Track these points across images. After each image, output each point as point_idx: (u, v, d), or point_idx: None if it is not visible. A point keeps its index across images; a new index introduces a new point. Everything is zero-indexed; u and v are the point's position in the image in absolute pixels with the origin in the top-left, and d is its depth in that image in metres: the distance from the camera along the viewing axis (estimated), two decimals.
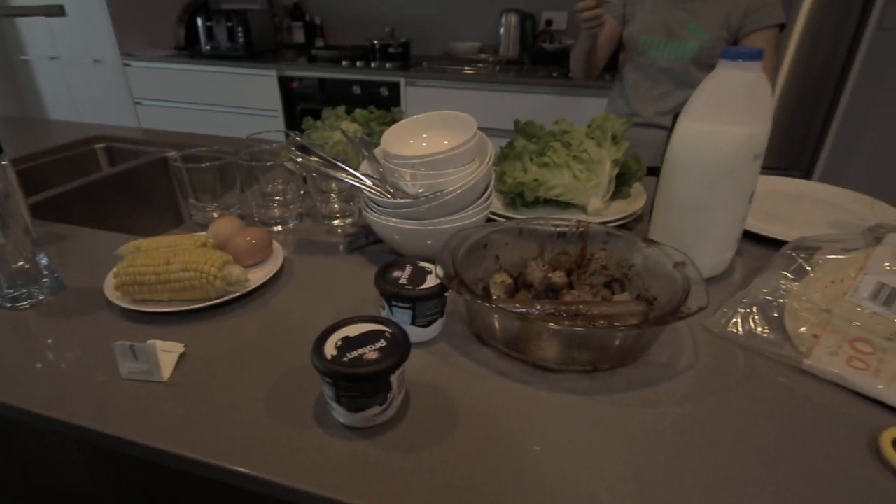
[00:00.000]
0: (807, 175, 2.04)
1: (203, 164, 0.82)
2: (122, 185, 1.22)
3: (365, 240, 0.81)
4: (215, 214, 0.87)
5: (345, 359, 0.44)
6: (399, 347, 0.46)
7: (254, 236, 0.71)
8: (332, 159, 0.70)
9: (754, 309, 0.62)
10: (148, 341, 0.52)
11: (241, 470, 0.44)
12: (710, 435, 0.47)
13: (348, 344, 0.46)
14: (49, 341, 0.60)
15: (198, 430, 0.47)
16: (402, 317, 0.56)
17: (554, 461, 0.44)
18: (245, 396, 0.51)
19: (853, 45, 1.86)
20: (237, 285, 0.64)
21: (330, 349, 0.45)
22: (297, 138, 0.70)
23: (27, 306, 0.65)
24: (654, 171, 0.84)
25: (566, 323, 0.54)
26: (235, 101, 2.71)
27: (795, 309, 0.61)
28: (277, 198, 0.88)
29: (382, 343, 0.46)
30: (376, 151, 0.76)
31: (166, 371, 0.54)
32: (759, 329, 0.60)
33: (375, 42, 2.51)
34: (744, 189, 0.65)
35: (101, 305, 0.65)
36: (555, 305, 0.59)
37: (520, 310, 0.55)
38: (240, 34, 2.65)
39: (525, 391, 0.52)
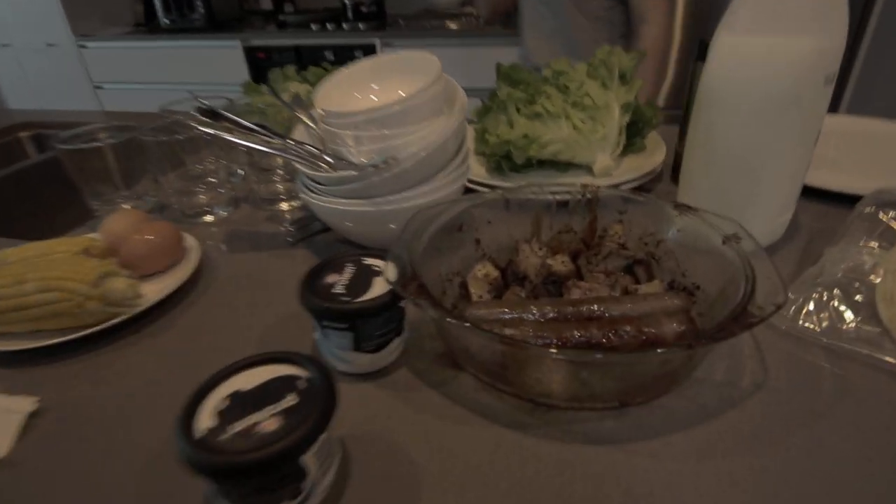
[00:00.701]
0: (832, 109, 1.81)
1: (92, 145, 0.64)
2: (48, 177, 1.04)
3: (318, 224, 0.64)
4: (126, 207, 0.69)
5: (224, 435, 0.27)
6: (317, 405, 0.29)
7: (154, 232, 0.53)
8: (248, 124, 0.52)
9: (834, 292, 0.45)
10: None
11: None
12: (799, 489, 0.31)
13: (237, 406, 0.29)
14: None
15: None
16: (339, 341, 0.39)
17: None
18: (113, 481, 0.35)
19: None
20: (124, 303, 0.47)
21: (206, 420, 0.28)
22: (203, 102, 0.52)
23: None
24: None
25: (575, 347, 0.37)
26: (201, 78, 2.49)
27: (890, 289, 0.44)
28: (210, 180, 0.70)
29: (292, 399, 0.29)
30: (315, 112, 0.58)
31: (4, 442, 0.37)
32: (844, 320, 0.43)
33: (346, 1, 2.28)
34: (810, 126, 0.47)
35: None
36: (558, 307, 0.42)
37: (506, 332, 0.38)
38: (199, 4, 2.41)
39: (521, 442, 0.35)
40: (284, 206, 0.71)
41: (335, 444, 0.33)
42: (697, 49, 0.60)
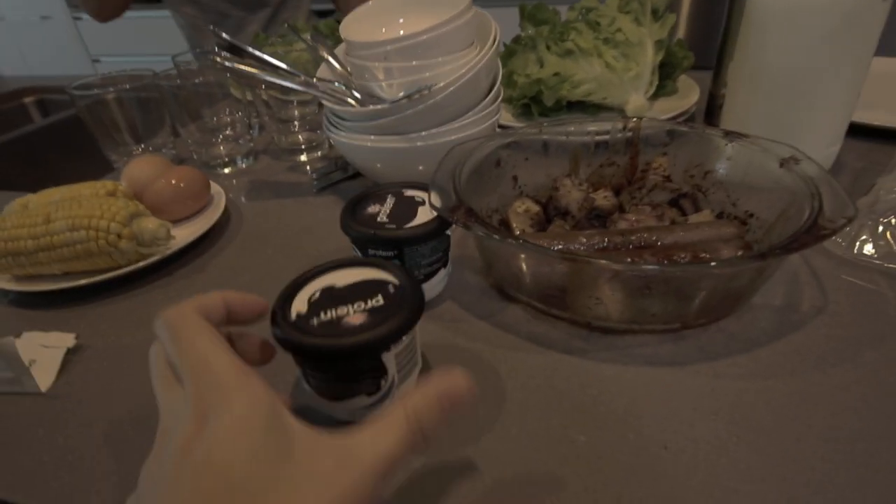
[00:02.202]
0: None
1: (110, 96, 0.62)
2: (55, 140, 1.02)
3: (340, 173, 0.62)
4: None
5: (313, 322, 0.27)
6: (402, 308, 0.28)
7: (180, 177, 0.52)
8: (271, 59, 0.50)
9: (891, 219, 0.43)
10: (7, 337, 0.35)
11: None
12: (881, 412, 0.30)
13: (328, 299, 0.29)
14: None
15: (83, 469, 0.30)
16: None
17: (648, 471, 0.27)
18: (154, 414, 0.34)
19: None
20: (155, 245, 0.46)
21: (299, 305, 0.29)
22: (223, 34, 0.50)
23: None
24: None
25: (633, 257, 0.36)
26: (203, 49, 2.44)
27: None
28: (228, 133, 0.68)
29: (378, 300, 0.29)
30: (338, 50, 0.56)
31: (46, 376, 0.36)
32: None
33: None
34: (866, 45, 0.45)
35: None
36: (607, 236, 0.40)
37: (560, 248, 0.37)
38: None
39: (580, 366, 0.34)
40: (304, 157, 0.69)
41: (418, 355, 0.32)
42: None
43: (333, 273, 0.31)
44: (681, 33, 1.54)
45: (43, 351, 0.38)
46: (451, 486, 0.28)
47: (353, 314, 0.28)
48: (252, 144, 0.69)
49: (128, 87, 0.63)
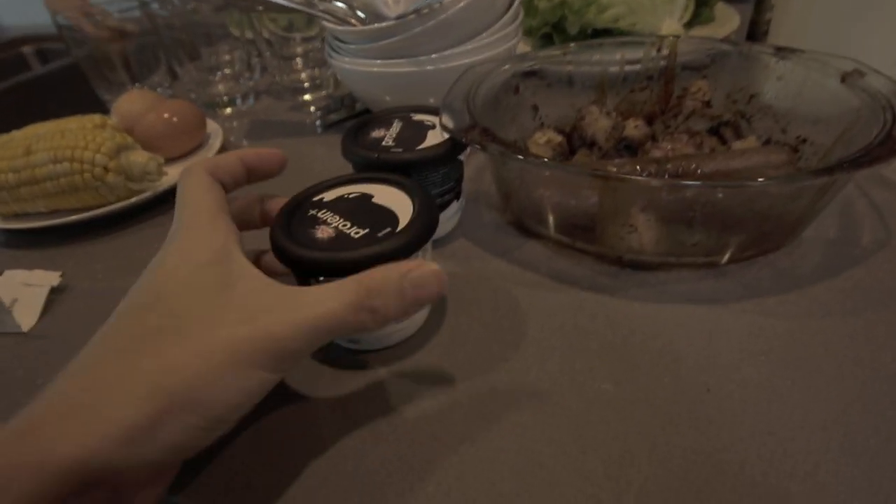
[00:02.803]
0: None
1: (105, 25, 0.58)
2: (57, 88, 0.99)
3: (344, 112, 0.58)
4: None
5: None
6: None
7: (173, 111, 0.48)
8: None
9: None
10: None
11: None
12: None
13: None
14: None
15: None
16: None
17: (687, 416, 0.24)
18: None
19: None
20: (146, 181, 0.43)
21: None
22: None
23: None
24: None
25: (673, 179, 0.32)
26: None
27: None
28: (226, 71, 0.64)
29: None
30: None
31: (29, 315, 0.34)
32: None
33: None
34: None
35: None
36: (640, 164, 0.36)
37: (593, 170, 0.33)
38: None
39: (608, 304, 0.30)
40: (308, 96, 0.65)
41: None
42: None
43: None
44: None
45: (26, 290, 0.35)
46: (463, 426, 0.24)
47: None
48: (252, 84, 0.65)
49: (122, 25, 0.58)
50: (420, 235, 0.25)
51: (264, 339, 0.19)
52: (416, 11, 0.41)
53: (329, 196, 0.28)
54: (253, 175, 0.28)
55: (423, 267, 0.22)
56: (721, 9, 0.65)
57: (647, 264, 0.32)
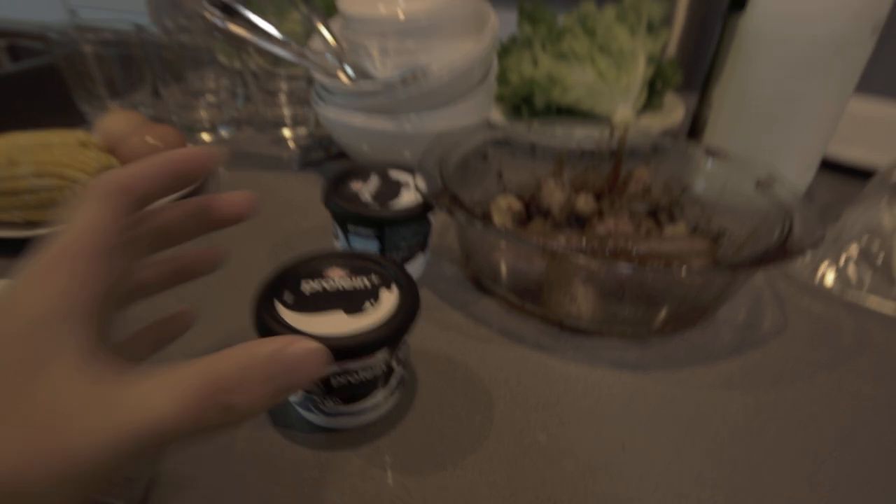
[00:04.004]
0: None
1: (92, 38, 0.60)
2: (27, 87, 0.97)
3: (322, 153, 0.61)
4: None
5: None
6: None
7: (157, 136, 0.50)
8: (264, 24, 0.48)
9: (853, 250, 0.45)
10: None
11: None
12: (816, 430, 0.31)
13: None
14: None
15: None
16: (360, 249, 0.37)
17: (594, 474, 0.28)
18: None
19: None
20: None
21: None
22: None
23: None
24: None
25: (610, 259, 0.36)
26: None
27: None
28: (210, 98, 0.66)
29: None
30: (332, 23, 0.55)
31: None
32: (863, 277, 0.44)
33: None
34: (850, 77, 0.47)
35: None
36: (586, 238, 0.41)
37: (542, 243, 0.37)
38: None
39: (548, 363, 0.35)
40: (288, 132, 0.68)
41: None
42: (730, 2, 0.59)
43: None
44: (671, 52, 1.58)
45: None
46: (411, 462, 0.27)
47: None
48: (235, 114, 0.68)
49: (111, 38, 0.60)
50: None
51: (56, 460, 0.14)
52: (403, 79, 0.45)
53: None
54: (216, 217, 0.24)
55: (298, 343, 0.18)
56: (670, 98, 0.73)
57: (583, 330, 0.37)
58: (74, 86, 0.63)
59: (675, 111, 0.69)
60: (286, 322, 0.25)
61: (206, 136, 0.65)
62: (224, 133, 0.66)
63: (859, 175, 0.60)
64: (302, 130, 0.67)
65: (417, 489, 0.26)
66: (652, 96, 0.69)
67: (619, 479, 0.28)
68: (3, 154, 0.41)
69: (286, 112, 0.68)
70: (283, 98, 0.68)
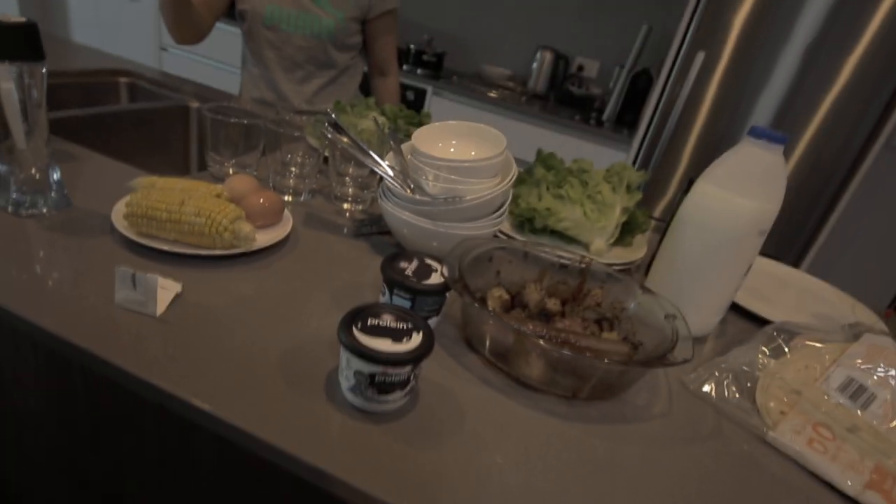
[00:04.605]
0: (794, 265, 2.10)
1: (231, 120, 0.83)
2: (139, 123, 1.21)
3: (372, 228, 0.82)
4: (231, 171, 0.87)
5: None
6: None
7: (268, 199, 0.71)
8: (362, 144, 0.71)
9: (730, 376, 0.64)
10: (149, 273, 0.52)
11: (218, 415, 0.44)
12: (670, 481, 0.49)
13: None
14: (42, 253, 0.59)
15: (181, 369, 0.48)
16: (400, 305, 0.57)
17: (519, 474, 0.45)
18: (234, 349, 0.51)
19: (860, 154, 1.93)
20: (244, 242, 0.65)
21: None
22: (332, 115, 0.71)
23: (29, 215, 0.65)
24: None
25: (557, 346, 0.56)
26: None
27: (768, 384, 0.63)
28: (294, 168, 0.89)
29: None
30: (404, 146, 0.78)
31: (161, 306, 0.54)
32: (732, 395, 0.62)
33: (412, 46, 2.55)
34: (744, 260, 0.68)
35: (104, 231, 0.65)
36: (546, 329, 0.60)
37: (515, 326, 0.57)
38: None
39: (505, 403, 0.53)
40: (348, 206, 0.89)
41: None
42: (687, 184, 0.82)
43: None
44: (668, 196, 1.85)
45: (161, 290, 0.55)
46: (408, 439, 0.45)
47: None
48: (314, 185, 0.90)
49: (245, 120, 0.84)
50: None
51: None
52: (445, 199, 0.67)
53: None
54: None
55: None
56: (640, 238, 0.95)
57: (532, 387, 0.56)
58: (212, 145, 0.85)
59: (640, 249, 0.91)
60: (358, 339, 0.44)
61: (289, 198, 0.86)
62: (303, 198, 0.88)
63: (763, 322, 0.80)
64: (360, 207, 0.89)
65: (414, 456, 0.44)
66: (624, 234, 0.91)
67: (530, 477, 0.45)
68: (177, 196, 0.62)
69: (350, 191, 0.90)
70: (349, 180, 0.90)
